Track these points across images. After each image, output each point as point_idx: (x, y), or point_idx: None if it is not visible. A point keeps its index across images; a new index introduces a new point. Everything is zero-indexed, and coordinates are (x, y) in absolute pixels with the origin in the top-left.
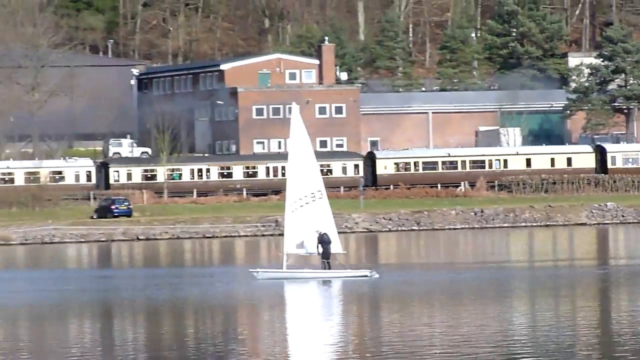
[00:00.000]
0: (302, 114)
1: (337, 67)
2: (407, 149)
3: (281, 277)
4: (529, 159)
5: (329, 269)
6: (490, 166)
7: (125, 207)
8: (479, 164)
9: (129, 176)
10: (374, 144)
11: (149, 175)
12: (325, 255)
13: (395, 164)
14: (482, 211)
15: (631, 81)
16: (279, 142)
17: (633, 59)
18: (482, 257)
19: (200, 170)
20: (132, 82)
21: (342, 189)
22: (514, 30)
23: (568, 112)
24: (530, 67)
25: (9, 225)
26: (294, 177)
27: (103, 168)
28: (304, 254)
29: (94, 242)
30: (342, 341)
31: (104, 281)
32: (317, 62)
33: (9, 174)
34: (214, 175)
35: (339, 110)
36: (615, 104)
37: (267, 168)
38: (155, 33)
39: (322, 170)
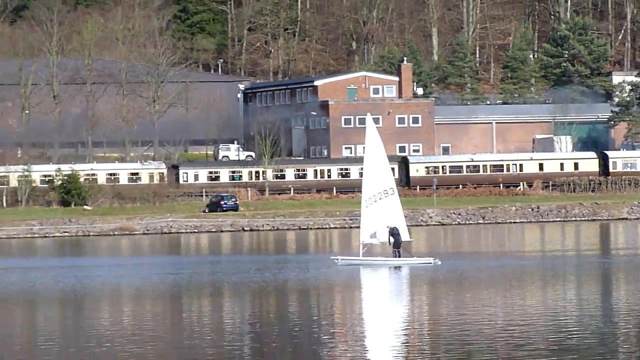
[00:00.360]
0: (384, 124)
1: (414, 83)
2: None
3: (358, 264)
4: (542, 164)
5: (398, 256)
6: (508, 169)
7: (232, 203)
8: (497, 167)
9: (196, 177)
10: (445, 149)
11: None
12: (396, 245)
13: (425, 167)
14: (538, 207)
15: None
16: (364, 148)
17: None
18: (538, 247)
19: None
20: (239, 95)
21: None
22: (566, 52)
23: (612, 122)
24: (579, 84)
25: (133, 218)
26: (369, 177)
27: (174, 170)
28: (376, 243)
29: (205, 233)
30: (413, 319)
31: (215, 266)
32: (397, 79)
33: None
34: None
35: (415, 120)
36: None
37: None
38: (258, 53)
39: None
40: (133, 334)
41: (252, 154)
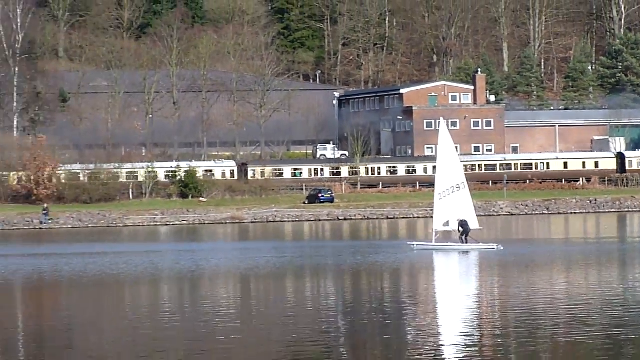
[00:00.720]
0: (461, 127)
1: (487, 92)
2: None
3: (431, 249)
4: (566, 163)
5: (466, 243)
6: (537, 167)
7: (329, 195)
8: (528, 165)
9: (262, 174)
10: (514, 149)
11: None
12: (464, 233)
13: (464, 165)
14: (595, 200)
15: None
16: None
17: None
18: (595, 234)
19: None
20: (334, 102)
21: (418, 184)
22: (620, 64)
23: None
24: (631, 92)
25: (242, 208)
26: (441, 173)
27: (243, 167)
28: (448, 230)
29: (305, 221)
30: (482, 296)
31: (315, 250)
32: (472, 87)
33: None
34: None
35: (488, 123)
36: None
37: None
38: (351, 66)
39: (407, 170)
40: (237, 310)
41: (346, 152)
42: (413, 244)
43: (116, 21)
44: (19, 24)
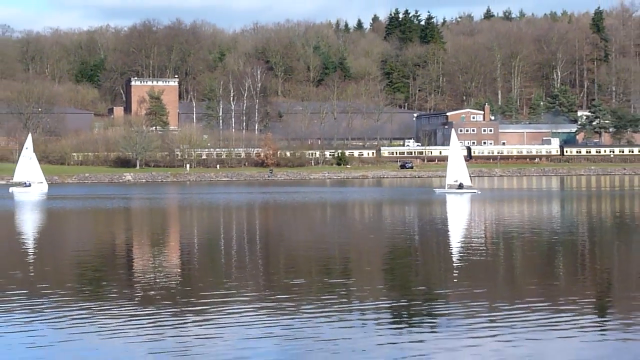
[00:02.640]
0: (476, 132)
1: (491, 114)
2: None
3: (445, 192)
4: (530, 150)
5: (461, 189)
6: (514, 152)
7: (410, 164)
8: (510, 151)
9: (391, 153)
10: (503, 144)
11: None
12: (460, 186)
13: (480, 151)
14: (544, 169)
15: None
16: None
17: None
18: (545, 186)
19: (440, 151)
20: (414, 118)
21: None
22: (557, 101)
23: None
24: (562, 116)
25: (367, 170)
26: (451, 157)
27: (377, 148)
28: (453, 184)
29: (398, 178)
30: (473, 218)
31: (400, 192)
32: (482, 112)
33: None
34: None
35: (490, 130)
36: None
37: None
38: (423, 100)
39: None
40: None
41: (419, 143)
42: (435, 191)
43: (306, 75)
44: (258, 77)
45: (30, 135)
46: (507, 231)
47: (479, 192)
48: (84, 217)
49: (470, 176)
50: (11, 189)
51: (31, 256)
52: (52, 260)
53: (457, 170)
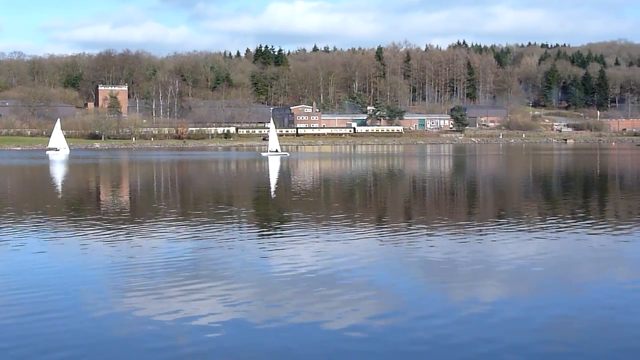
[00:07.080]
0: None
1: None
2: None
3: (268, 155)
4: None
5: (277, 152)
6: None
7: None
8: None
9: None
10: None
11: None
12: (276, 151)
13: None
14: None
15: None
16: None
17: None
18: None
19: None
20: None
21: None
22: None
23: None
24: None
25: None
26: (271, 138)
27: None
28: (273, 151)
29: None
30: (287, 169)
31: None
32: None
33: None
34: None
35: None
36: None
37: None
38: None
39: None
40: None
41: None
42: (261, 154)
43: (206, 83)
44: (176, 85)
45: (59, 120)
46: (297, 179)
47: (288, 154)
48: (89, 168)
49: (280, 145)
50: (46, 152)
51: (51, 191)
52: (65, 192)
53: (274, 142)
